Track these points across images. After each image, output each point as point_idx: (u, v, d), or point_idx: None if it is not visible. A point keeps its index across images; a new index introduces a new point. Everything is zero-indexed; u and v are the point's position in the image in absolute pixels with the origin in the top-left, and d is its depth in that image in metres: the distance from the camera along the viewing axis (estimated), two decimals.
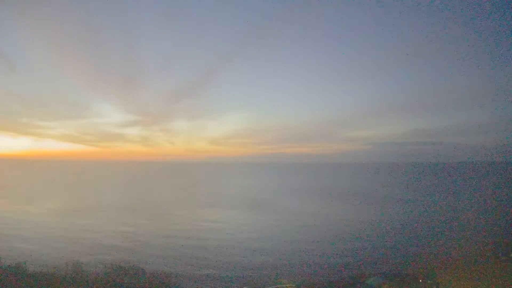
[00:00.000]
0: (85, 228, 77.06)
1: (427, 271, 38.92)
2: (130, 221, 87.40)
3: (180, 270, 44.22)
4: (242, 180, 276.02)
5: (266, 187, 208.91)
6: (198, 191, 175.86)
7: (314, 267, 40.62)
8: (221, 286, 36.99)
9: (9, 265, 37.26)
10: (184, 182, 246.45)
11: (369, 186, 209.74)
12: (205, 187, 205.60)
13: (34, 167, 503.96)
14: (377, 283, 31.74)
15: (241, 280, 34.65)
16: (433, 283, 32.53)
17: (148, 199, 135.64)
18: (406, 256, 48.72)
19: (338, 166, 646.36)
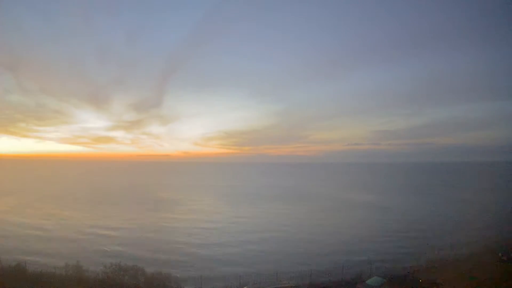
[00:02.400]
0: (86, 227, 77.13)
1: (427, 271, 38.95)
2: (124, 220, 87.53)
3: (178, 270, 44.37)
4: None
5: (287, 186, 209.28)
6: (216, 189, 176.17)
7: (314, 267, 40.58)
8: (220, 286, 36.96)
9: (9, 265, 37.30)
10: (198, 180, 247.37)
11: (367, 184, 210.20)
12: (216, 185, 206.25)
13: (38, 167, 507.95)
14: (377, 283, 31.71)
15: (241, 280, 34.62)
16: (433, 283, 32.53)
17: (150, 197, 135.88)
18: (406, 256, 48.66)
19: (321, 166, 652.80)
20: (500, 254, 42.16)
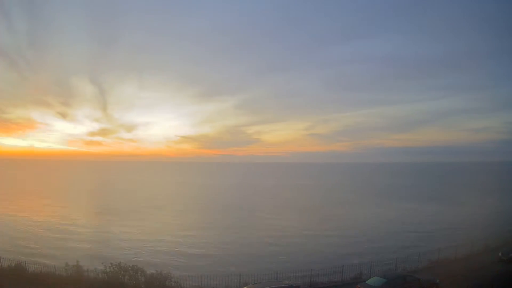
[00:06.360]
0: (87, 227, 77.20)
1: (427, 271, 38.89)
2: (120, 221, 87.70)
3: (178, 270, 44.32)
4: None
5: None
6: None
7: (314, 267, 40.55)
8: (220, 286, 36.95)
9: (9, 265, 37.19)
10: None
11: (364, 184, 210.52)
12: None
13: (39, 166, 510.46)
14: (377, 283, 31.64)
15: (241, 279, 34.59)
16: (433, 283, 32.45)
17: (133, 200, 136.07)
18: (406, 256, 48.68)
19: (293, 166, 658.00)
20: (500, 254, 42.11)
